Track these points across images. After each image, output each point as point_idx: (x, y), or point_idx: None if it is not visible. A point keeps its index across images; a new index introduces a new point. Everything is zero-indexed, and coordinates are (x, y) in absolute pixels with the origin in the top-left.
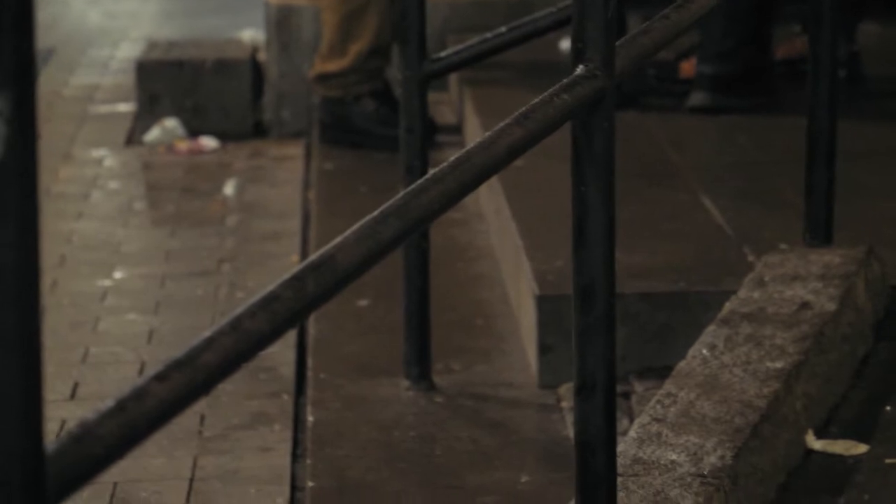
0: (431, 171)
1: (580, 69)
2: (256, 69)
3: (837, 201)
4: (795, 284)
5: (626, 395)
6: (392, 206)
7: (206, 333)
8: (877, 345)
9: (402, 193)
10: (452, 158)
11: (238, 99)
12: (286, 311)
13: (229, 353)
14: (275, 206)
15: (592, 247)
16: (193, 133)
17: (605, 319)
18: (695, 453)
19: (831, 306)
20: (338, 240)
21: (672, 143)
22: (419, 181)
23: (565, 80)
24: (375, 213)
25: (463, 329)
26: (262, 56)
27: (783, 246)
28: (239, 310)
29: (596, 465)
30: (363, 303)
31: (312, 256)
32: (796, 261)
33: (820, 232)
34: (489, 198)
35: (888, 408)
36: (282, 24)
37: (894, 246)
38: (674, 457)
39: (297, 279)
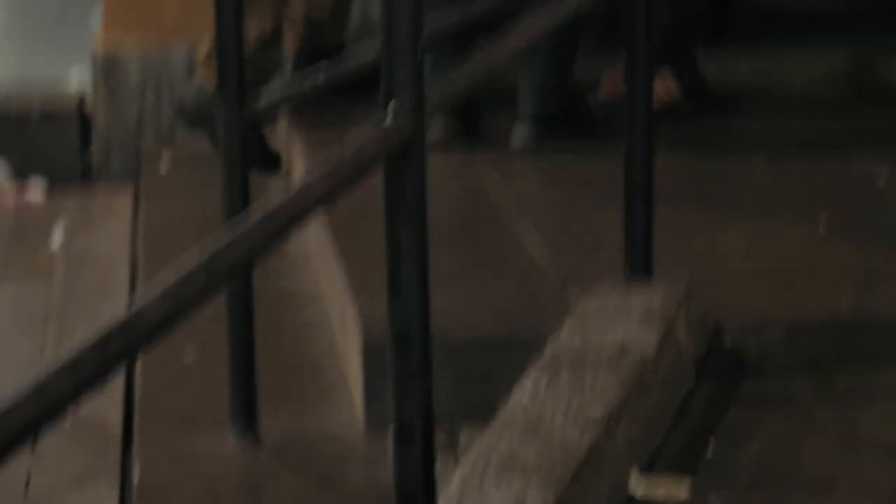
0: (238, 225)
1: (390, 116)
2: (83, 116)
3: (663, 238)
4: (616, 325)
5: (453, 442)
6: (198, 261)
7: (9, 397)
8: (699, 381)
9: (208, 249)
10: (259, 212)
11: (65, 147)
12: (90, 373)
13: (32, 418)
14: (102, 256)
15: (406, 293)
16: (20, 182)
17: (422, 366)
18: (517, 501)
19: (651, 347)
20: (143, 298)
21: (497, 182)
22: (225, 236)
23: (374, 128)
24: (181, 269)
25: (291, 379)
26: (89, 103)
27: (606, 285)
28: (43, 373)
29: None
30: (192, 355)
31: (118, 316)
32: (617, 301)
33: (640, 270)
34: (318, 243)
35: (709, 448)
36: (108, 72)
37: (716, 283)
38: None
39: (103, 340)
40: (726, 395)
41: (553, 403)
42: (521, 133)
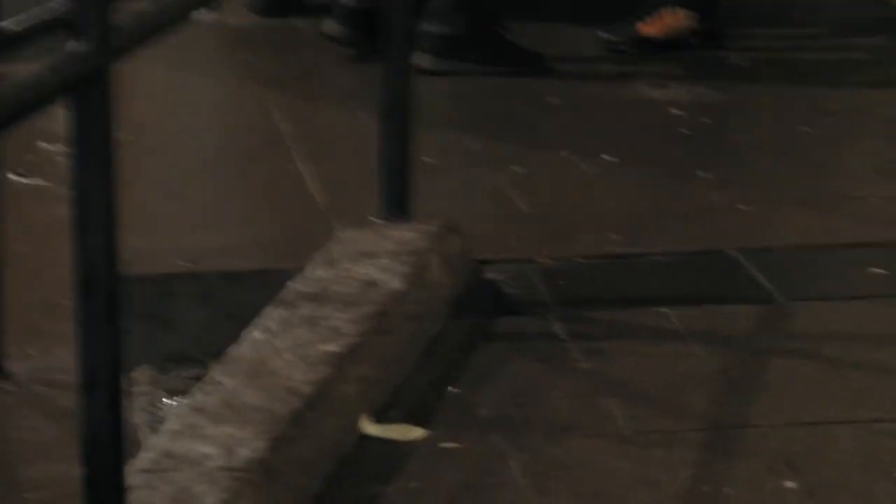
0: None
1: (72, 46)
2: None
3: (447, 174)
4: (365, 262)
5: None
6: None
7: None
8: (452, 322)
9: None
10: None
11: None
12: None
13: None
14: None
15: (92, 232)
16: None
17: (107, 309)
18: (229, 445)
19: (398, 284)
20: None
21: (283, 114)
22: None
23: (54, 59)
24: None
25: (47, 311)
26: None
27: (363, 221)
28: None
29: (104, 465)
30: None
31: None
32: (371, 237)
33: (396, 206)
34: None
35: (451, 388)
36: None
37: (484, 219)
38: (206, 450)
39: None
40: (481, 333)
41: (284, 340)
42: (420, 55)
